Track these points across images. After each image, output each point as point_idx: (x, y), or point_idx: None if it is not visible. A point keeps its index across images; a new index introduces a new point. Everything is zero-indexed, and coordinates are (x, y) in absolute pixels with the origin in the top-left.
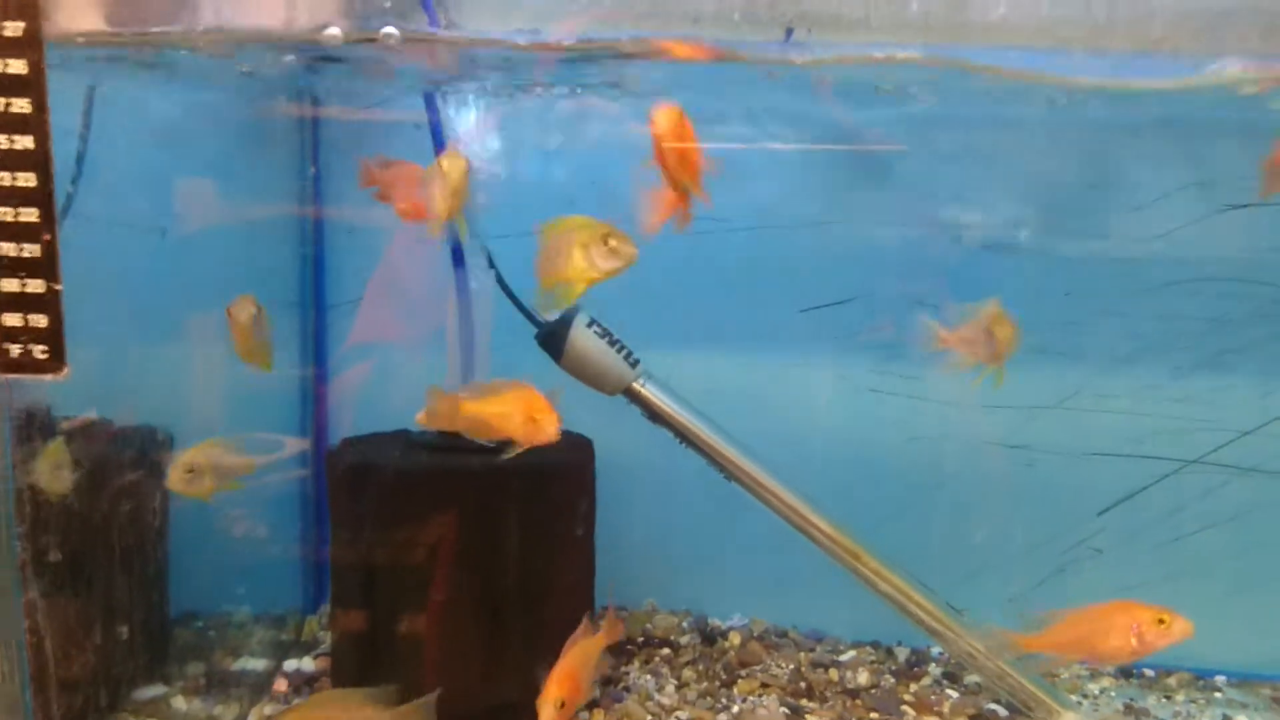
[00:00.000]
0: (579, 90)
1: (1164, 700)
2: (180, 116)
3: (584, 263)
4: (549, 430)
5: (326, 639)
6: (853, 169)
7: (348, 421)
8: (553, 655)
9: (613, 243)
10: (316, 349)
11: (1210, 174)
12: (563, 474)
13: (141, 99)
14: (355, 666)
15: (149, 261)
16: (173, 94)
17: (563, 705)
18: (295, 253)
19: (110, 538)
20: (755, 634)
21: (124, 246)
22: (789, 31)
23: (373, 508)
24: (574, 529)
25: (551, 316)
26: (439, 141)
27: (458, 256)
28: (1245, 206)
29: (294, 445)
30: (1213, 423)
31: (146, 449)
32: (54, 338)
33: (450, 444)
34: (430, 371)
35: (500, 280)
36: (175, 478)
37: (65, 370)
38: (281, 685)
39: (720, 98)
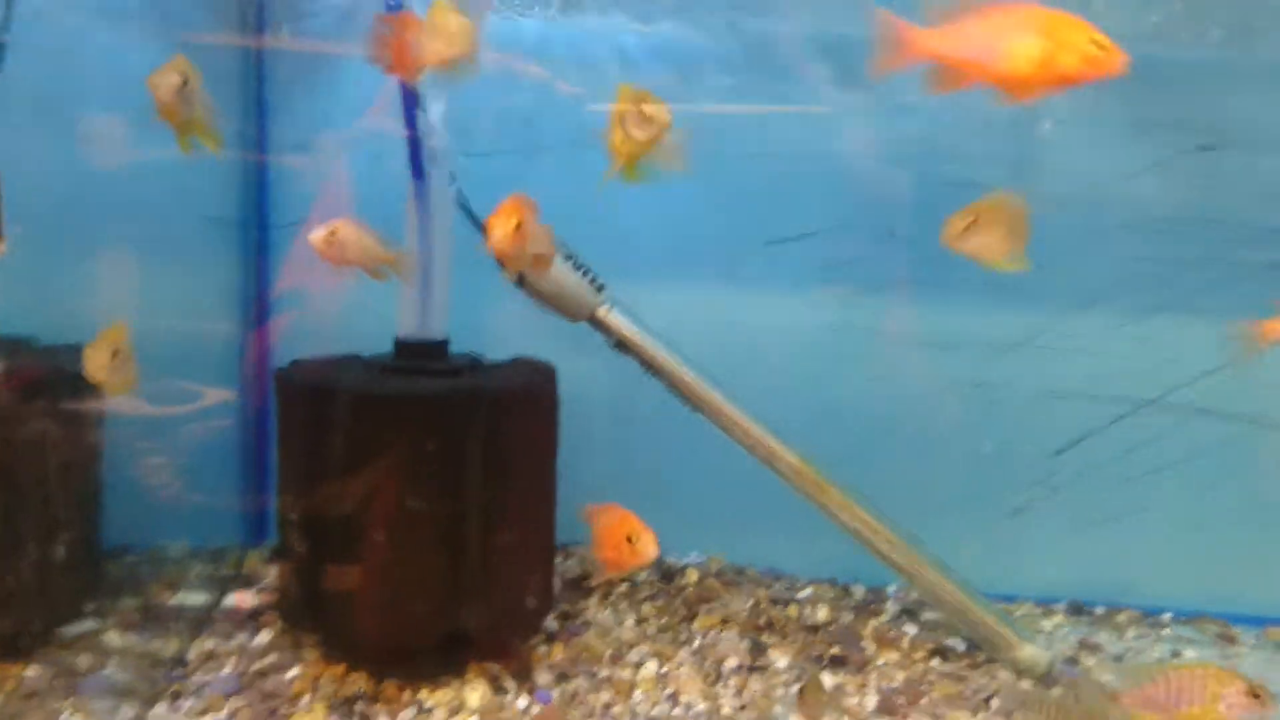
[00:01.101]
0: None
1: (1115, 636)
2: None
3: (621, 134)
4: (647, 553)
5: (270, 573)
6: (817, 100)
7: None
8: (512, 592)
9: (647, 109)
10: (259, 270)
11: (1175, 114)
12: (525, 400)
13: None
14: (304, 595)
15: (80, 178)
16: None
17: (518, 226)
18: (237, 168)
19: (44, 453)
20: (713, 571)
21: (56, 160)
22: None
23: (325, 431)
24: (535, 456)
25: None
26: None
27: (417, 167)
28: (1213, 149)
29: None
30: (1171, 363)
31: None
32: None
33: (408, 366)
34: (384, 296)
35: (461, 197)
36: (95, 364)
37: (3, 246)
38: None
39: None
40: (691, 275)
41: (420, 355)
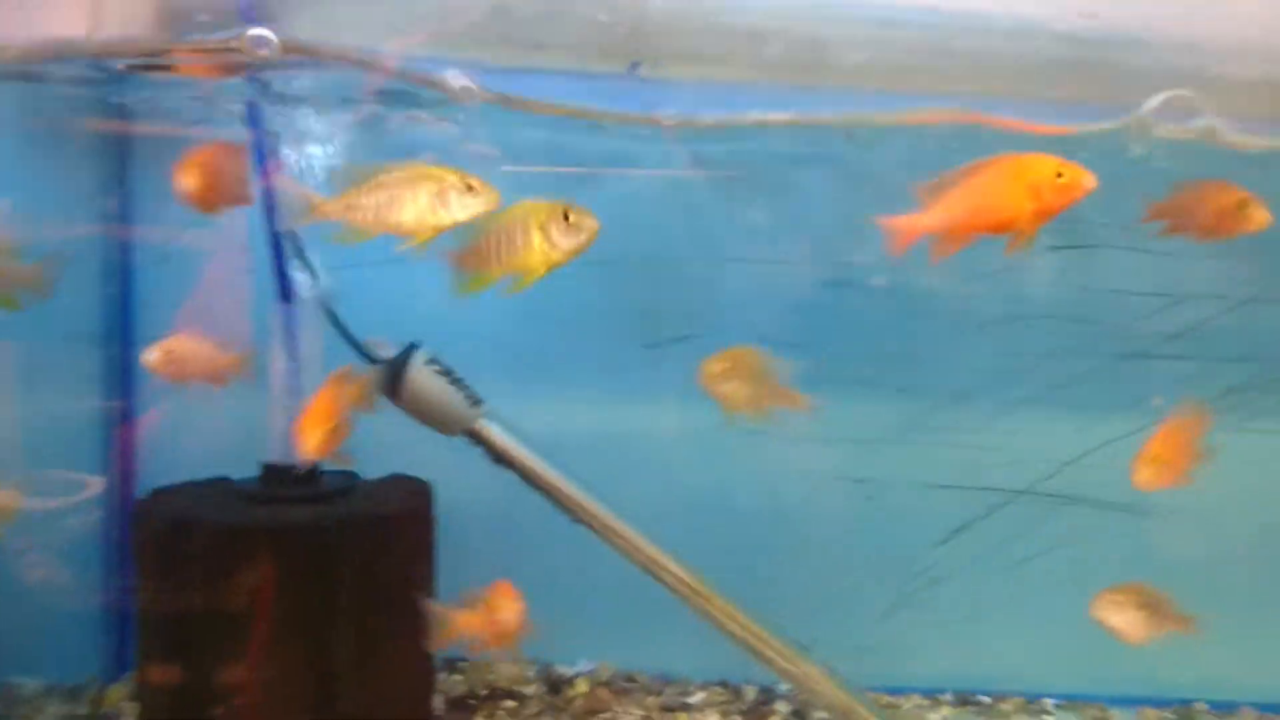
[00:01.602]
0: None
1: None
2: None
3: (546, 244)
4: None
5: (131, 711)
6: (696, 206)
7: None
8: (390, 708)
9: (573, 217)
10: (124, 386)
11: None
12: (399, 523)
13: None
14: None
15: None
16: None
17: (333, 429)
18: (99, 281)
19: None
20: (603, 679)
21: None
22: (634, 64)
23: (185, 566)
24: (410, 577)
25: (388, 354)
26: (261, 157)
27: (285, 291)
28: (1064, 249)
29: (94, 485)
30: (1040, 454)
31: None
32: None
33: (275, 494)
34: (249, 409)
35: (333, 315)
36: None
37: None
38: None
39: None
40: (573, 381)
41: (289, 481)
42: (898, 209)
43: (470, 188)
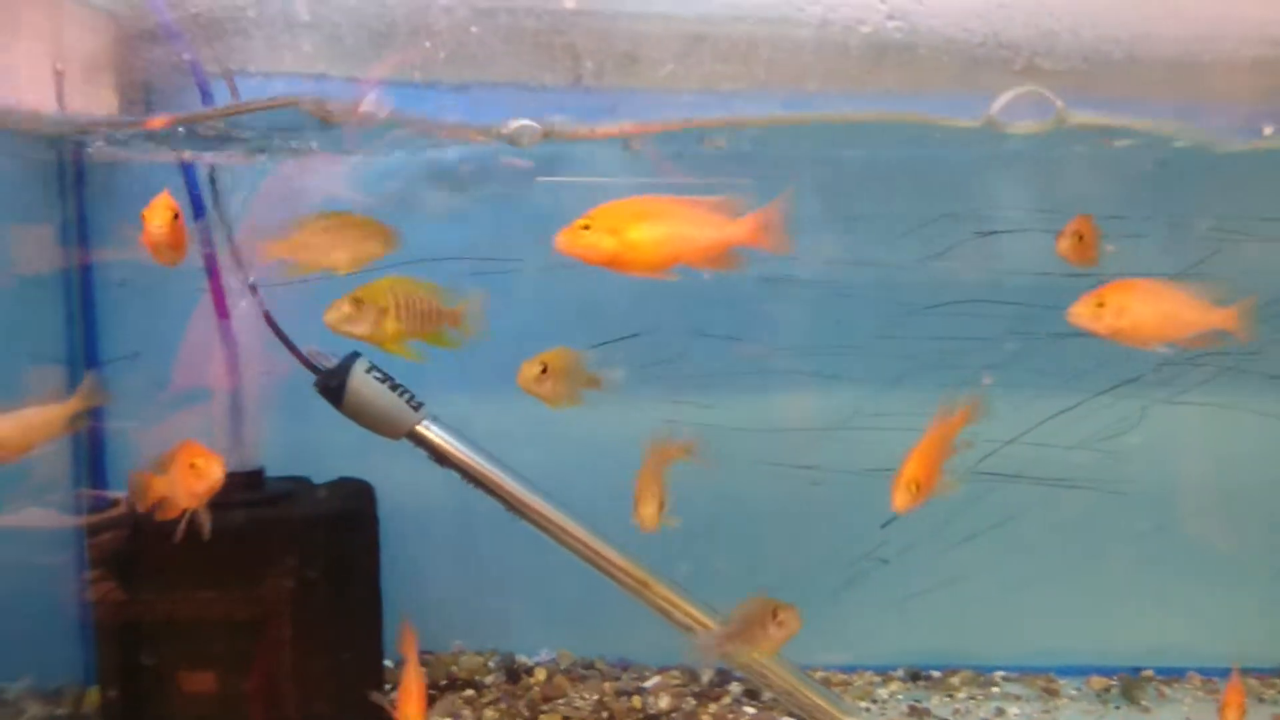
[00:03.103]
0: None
1: (946, 699)
2: None
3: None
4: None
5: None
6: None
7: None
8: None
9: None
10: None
11: (959, 205)
12: (340, 523)
13: None
14: None
15: None
16: None
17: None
18: (61, 307)
19: None
20: (562, 667)
21: None
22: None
23: (130, 570)
24: (354, 576)
25: (329, 363)
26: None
27: (221, 308)
28: (990, 234)
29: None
30: (977, 434)
31: None
32: None
33: (220, 499)
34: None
35: (275, 328)
36: None
37: None
38: None
39: None
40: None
41: (234, 487)
42: None
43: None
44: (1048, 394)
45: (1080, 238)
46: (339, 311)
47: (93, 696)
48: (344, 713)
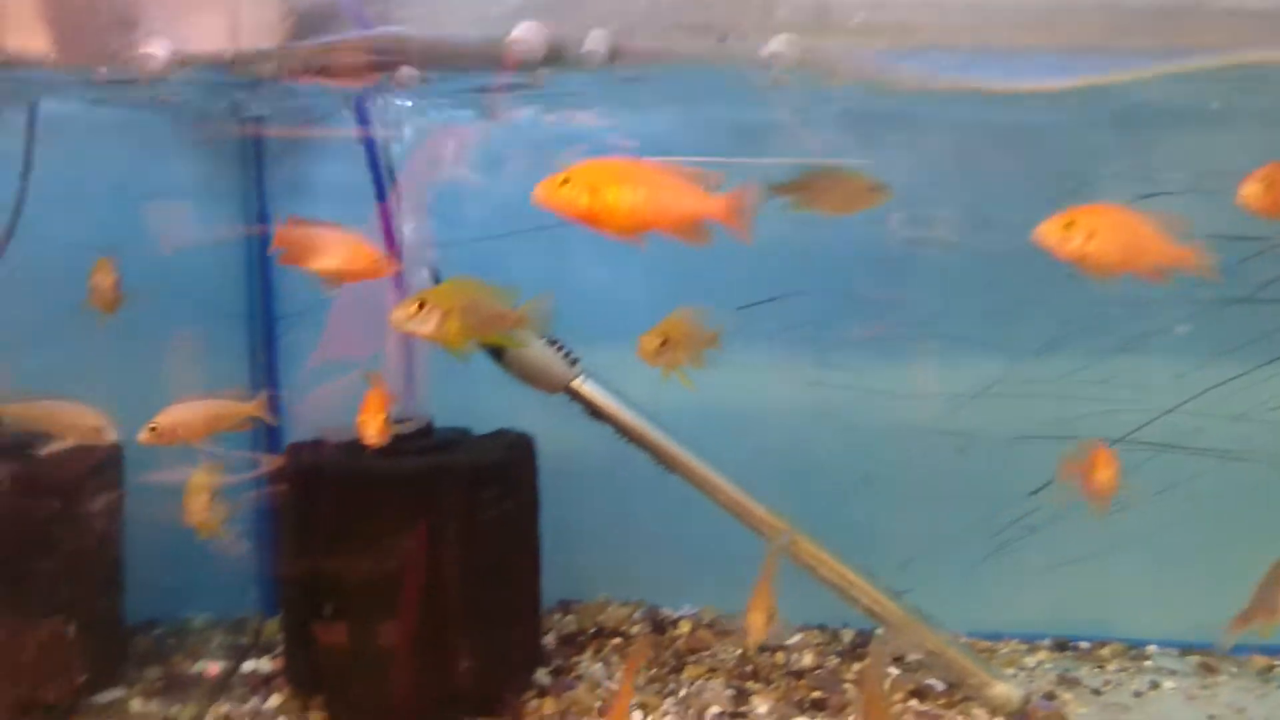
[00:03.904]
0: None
1: (1096, 670)
2: (124, 135)
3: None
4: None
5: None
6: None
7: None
8: (497, 649)
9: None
10: (267, 360)
11: (1127, 164)
12: (501, 470)
13: (87, 120)
14: (305, 666)
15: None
16: (118, 114)
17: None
18: (242, 266)
19: (52, 536)
20: (705, 622)
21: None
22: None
23: (315, 511)
24: (515, 521)
25: None
26: (374, 160)
27: (394, 254)
28: (1153, 196)
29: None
30: (1134, 403)
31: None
32: None
33: (394, 447)
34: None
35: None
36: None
37: None
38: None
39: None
40: None
41: (406, 434)
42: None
43: None
44: (1210, 363)
45: (1272, 184)
46: (405, 311)
47: (271, 627)
48: (506, 656)
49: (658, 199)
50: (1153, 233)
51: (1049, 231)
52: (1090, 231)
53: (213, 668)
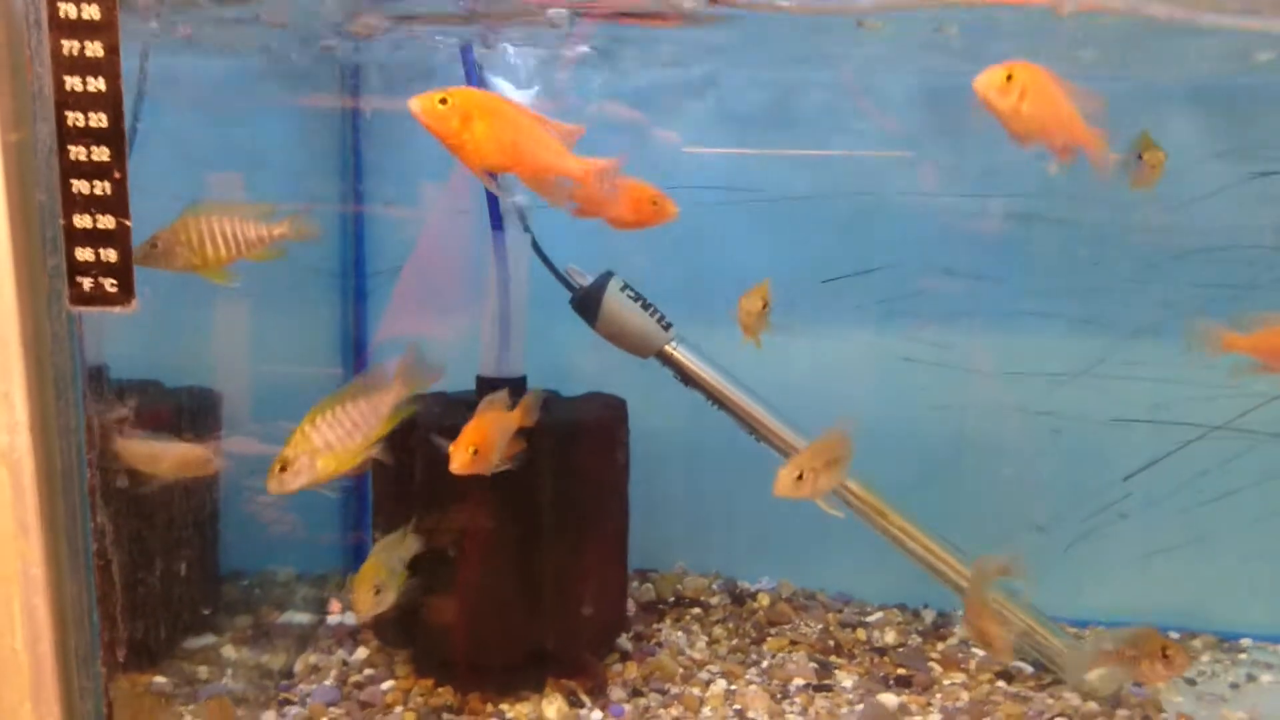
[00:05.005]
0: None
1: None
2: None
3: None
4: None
5: None
6: (877, 140)
7: None
8: (584, 611)
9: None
10: (356, 314)
11: (1240, 142)
12: (594, 431)
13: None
14: (393, 621)
15: None
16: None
17: (475, 453)
18: (337, 222)
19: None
20: (784, 596)
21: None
22: None
23: (409, 466)
24: (607, 483)
25: (585, 281)
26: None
27: (496, 220)
28: (1269, 174)
29: None
30: (1237, 389)
31: (199, 407)
32: (124, 272)
33: None
34: (468, 339)
35: (536, 246)
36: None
37: (134, 303)
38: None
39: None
40: None
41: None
42: None
43: None
44: None
45: None
46: (141, 252)
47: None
48: (593, 618)
49: (522, 145)
50: (1072, 109)
51: (990, 82)
52: (1024, 89)
53: (300, 618)
